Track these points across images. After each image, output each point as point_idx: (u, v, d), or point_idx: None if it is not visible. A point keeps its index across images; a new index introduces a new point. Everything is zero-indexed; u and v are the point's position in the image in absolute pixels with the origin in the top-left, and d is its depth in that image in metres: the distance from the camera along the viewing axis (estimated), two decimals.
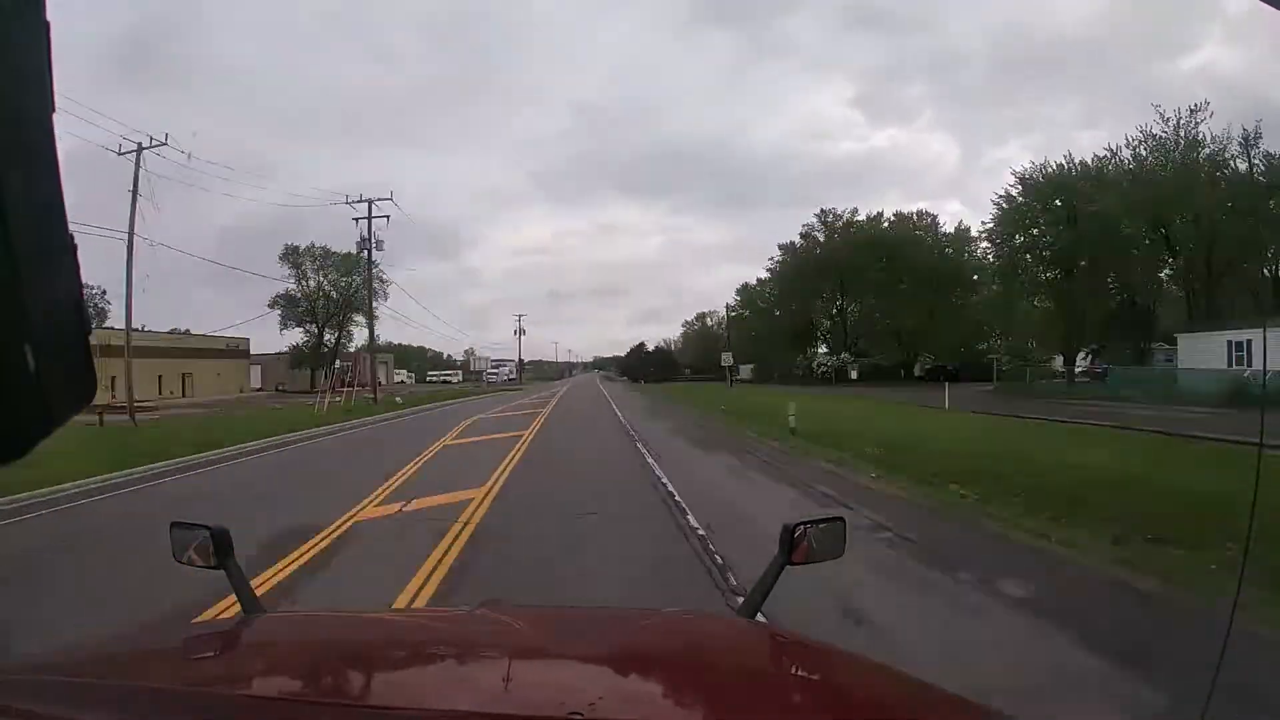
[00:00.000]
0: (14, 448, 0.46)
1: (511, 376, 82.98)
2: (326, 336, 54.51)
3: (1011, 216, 37.57)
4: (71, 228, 0.50)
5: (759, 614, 1.71)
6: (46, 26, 0.46)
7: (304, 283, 53.25)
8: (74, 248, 0.49)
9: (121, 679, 1.11)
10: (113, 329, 26.35)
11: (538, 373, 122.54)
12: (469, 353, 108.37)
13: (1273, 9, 1.04)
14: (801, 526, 1.62)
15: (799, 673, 1.32)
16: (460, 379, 79.26)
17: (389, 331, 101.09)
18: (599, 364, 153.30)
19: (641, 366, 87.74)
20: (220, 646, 1.35)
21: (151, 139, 23.41)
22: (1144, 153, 32.93)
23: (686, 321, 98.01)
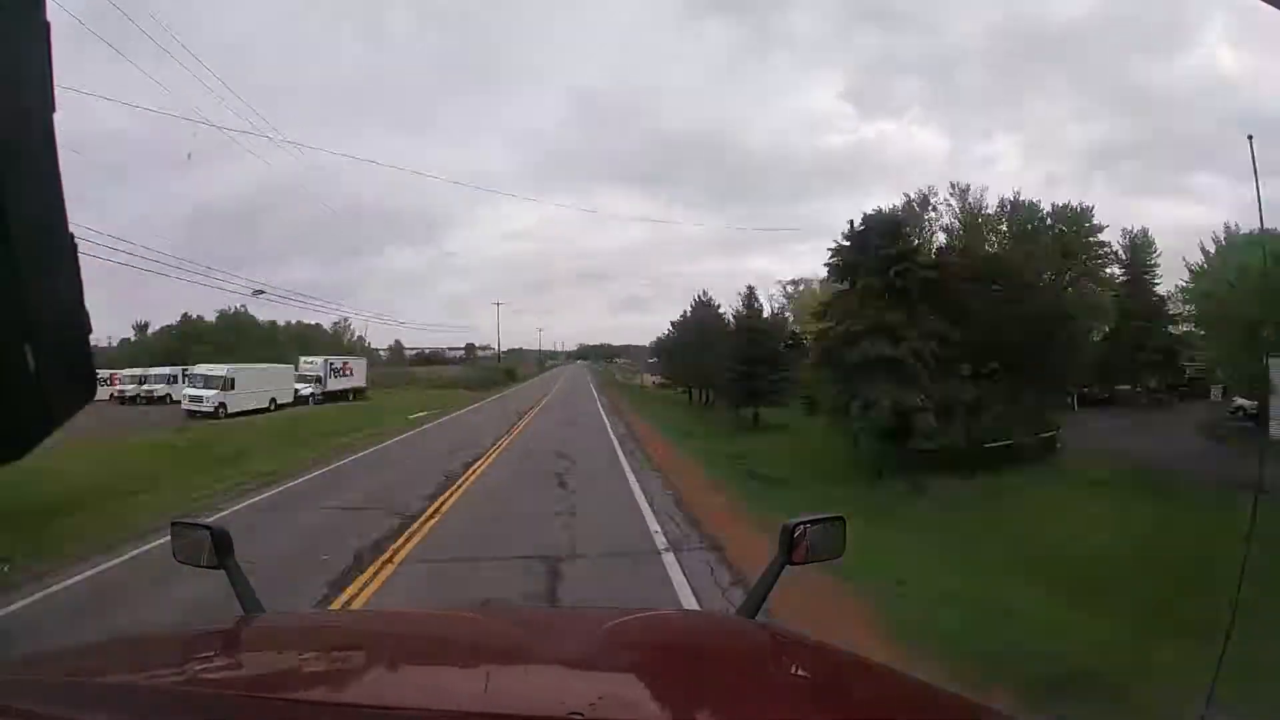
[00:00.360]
0: (14, 448, 0.46)
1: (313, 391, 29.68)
2: None
3: None
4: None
5: (759, 614, 1.67)
6: (46, 26, 0.46)
7: None
8: (74, 248, 0.49)
9: (121, 679, 1.11)
10: None
11: (486, 371, 58.59)
12: (341, 327, 49.02)
13: (1272, 9, 1.04)
14: (801, 526, 1.62)
15: (799, 672, 1.32)
16: (195, 398, 24.22)
17: None
18: (583, 353, 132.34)
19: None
20: (220, 646, 1.35)
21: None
22: None
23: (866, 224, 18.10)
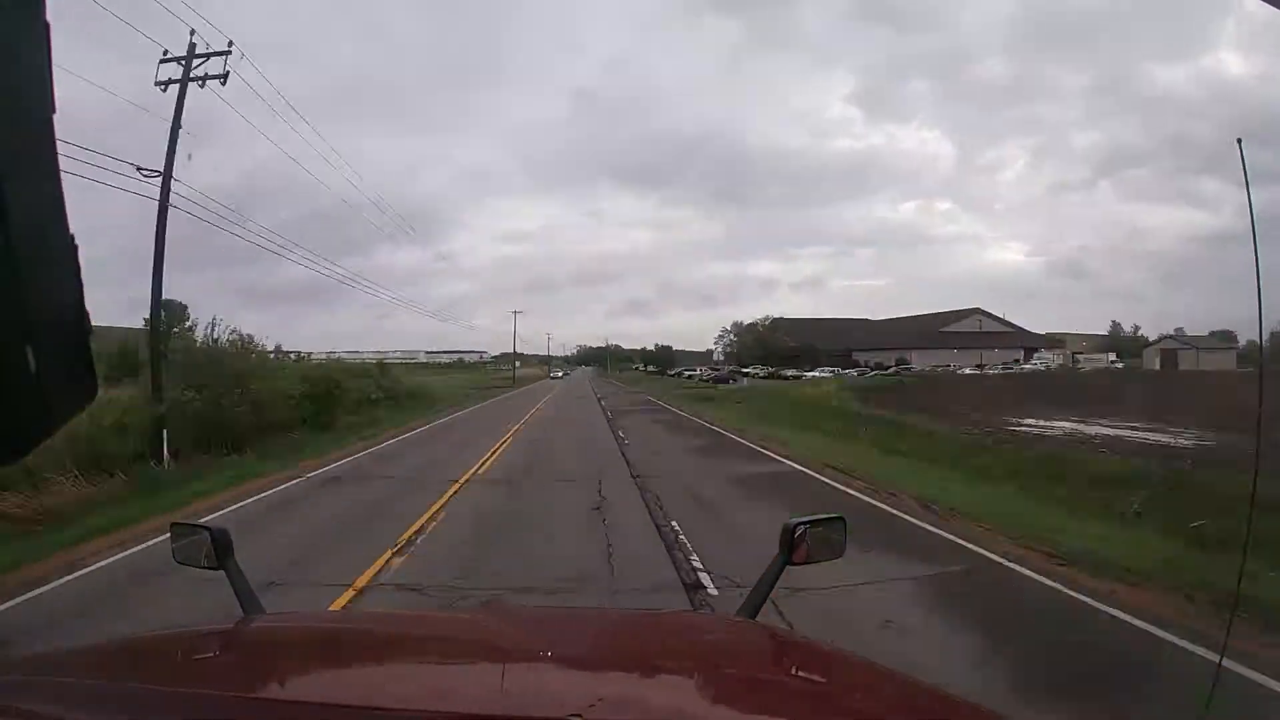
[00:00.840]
0: (14, 448, 0.46)
1: None
2: None
3: None
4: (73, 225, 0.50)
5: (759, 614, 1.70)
6: (46, 27, 0.46)
7: None
8: (74, 248, 0.49)
9: (121, 679, 1.11)
10: None
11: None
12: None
13: (1275, 10, 1.04)
14: (801, 526, 1.61)
15: (798, 673, 1.32)
16: None
17: None
18: (585, 357, 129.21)
19: None
20: (220, 646, 1.35)
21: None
22: None
23: None
